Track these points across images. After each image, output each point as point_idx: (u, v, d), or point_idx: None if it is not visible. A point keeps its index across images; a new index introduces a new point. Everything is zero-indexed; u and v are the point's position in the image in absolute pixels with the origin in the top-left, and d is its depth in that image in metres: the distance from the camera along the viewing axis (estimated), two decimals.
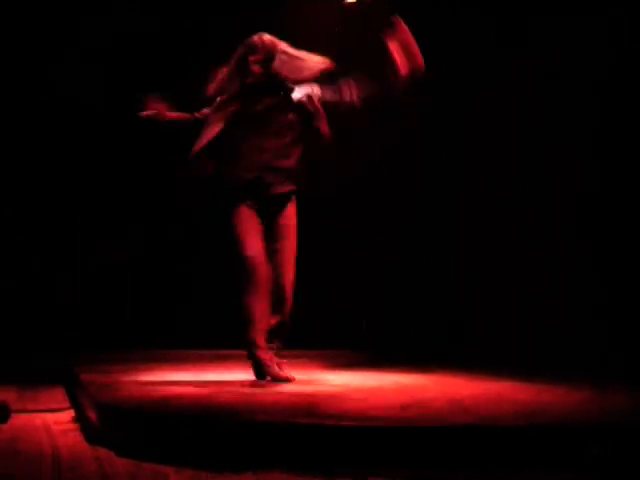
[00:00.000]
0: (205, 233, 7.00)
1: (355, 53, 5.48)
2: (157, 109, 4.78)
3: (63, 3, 6.87)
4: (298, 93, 4.69)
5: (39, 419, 4.18)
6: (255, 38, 4.64)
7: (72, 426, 4.03)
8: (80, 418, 4.15)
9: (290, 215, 4.72)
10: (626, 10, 5.65)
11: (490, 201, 6.56)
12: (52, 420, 4.16)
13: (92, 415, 3.85)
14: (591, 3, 5.86)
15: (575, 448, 3.04)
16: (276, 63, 4.59)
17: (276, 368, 4.56)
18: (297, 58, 4.63)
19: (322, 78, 4.68)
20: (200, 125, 4.69)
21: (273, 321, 4.62)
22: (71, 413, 4.36)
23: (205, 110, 4.76)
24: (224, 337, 6.53)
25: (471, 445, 3.05)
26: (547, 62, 6.17)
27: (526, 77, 6.33)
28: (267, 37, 4.64)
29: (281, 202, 4.71)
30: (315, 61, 4.65)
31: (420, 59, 4.50)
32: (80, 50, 6.93)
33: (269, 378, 4.54)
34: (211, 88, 4.68)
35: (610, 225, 5.73)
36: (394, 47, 4.50)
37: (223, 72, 4.68)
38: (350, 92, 4.66)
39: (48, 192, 7.03)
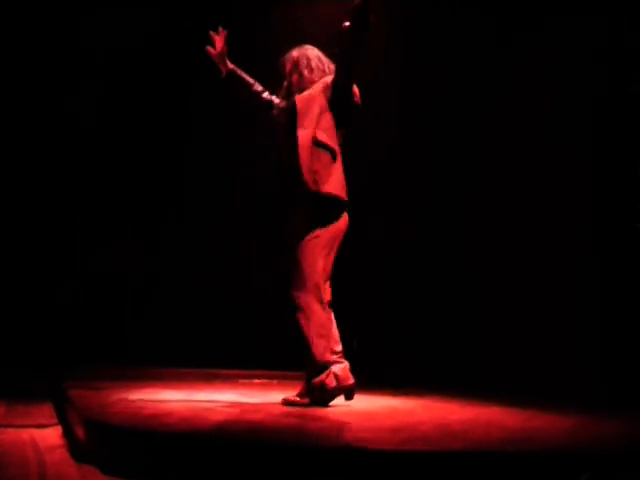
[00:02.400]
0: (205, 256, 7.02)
1: None
2: (221, 52, 4.73)
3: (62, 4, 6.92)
4: None
5: (26, 435, 4.14)
6: None
7: (59, 442, 4.00)
8: (67, 435, 4.13)
9: None
10: (626, 10, 5.65)
11: (484, 218, 6.53)
12: (39, 436, 4.12)
13: (79, 432, 3.84)
14: (591, 3, 5.84)
15: (563, 475, 3.02)
16: None
17: None
18: None
19: None
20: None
21: None
22: (59, 429, 4.34)
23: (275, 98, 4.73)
24: (216, 356, 6.55)
25: (459, 471, 3.03)
26: (547, 62, 6.15)
27: (526, 77, 6.31)
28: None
29: None
30: None
31: None
32: (79, 51, 6.96)
33: None
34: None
35: (603, 248, 5.72)
36: None
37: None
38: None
39: (48, 194, 7.05)
